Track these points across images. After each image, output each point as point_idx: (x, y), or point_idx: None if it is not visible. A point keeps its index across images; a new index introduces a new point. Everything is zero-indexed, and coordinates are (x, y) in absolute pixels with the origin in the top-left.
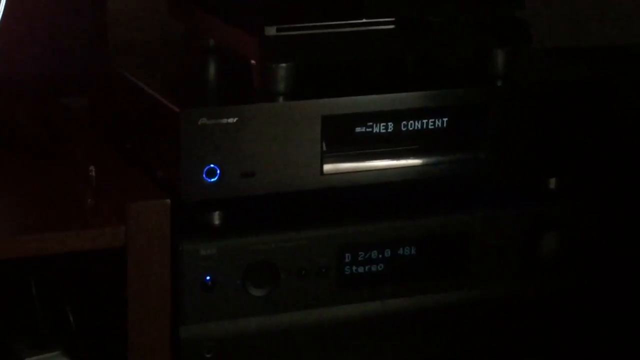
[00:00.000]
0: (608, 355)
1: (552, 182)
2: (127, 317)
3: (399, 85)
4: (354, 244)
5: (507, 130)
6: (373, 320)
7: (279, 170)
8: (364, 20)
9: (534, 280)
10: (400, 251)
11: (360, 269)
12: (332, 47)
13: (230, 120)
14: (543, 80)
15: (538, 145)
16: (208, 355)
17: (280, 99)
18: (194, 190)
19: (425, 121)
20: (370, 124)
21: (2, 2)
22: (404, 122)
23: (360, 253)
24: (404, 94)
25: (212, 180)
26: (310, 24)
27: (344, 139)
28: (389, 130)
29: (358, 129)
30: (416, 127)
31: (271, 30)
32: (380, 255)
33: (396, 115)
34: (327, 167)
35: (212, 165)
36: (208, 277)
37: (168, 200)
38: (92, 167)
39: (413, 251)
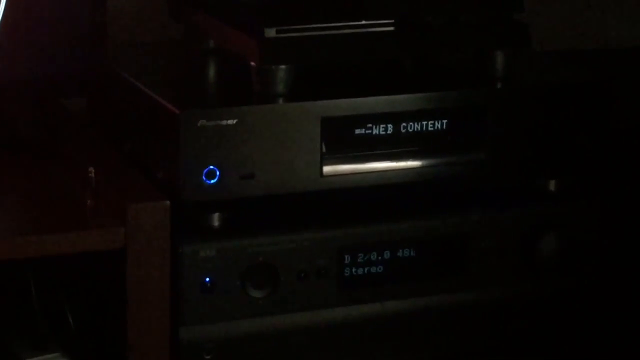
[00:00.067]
0: (608, 355)
1: (552, 184)
2: (127, 318)
3: (399, 87)
4: (353, 245)
5: (507, 132)
6: (373, 321)
7: (278, 172)
8: (364, 22)
9: (534, 282)
10: (400, 253)
11: (360, 271)
12: (332, 48)
13: (230, 121)
14: (542, 82)
15: (537, 146)
16: (207, 357)
17: (280, 100)
18: (194, 191)
19: (424, 123)
20: (370, 125)
21: (2, 3)
22: (404, 124)
23: (359, 255)
24: (403, 96)
25: (212, 181)
26: (310, 26)
27: (344, 140)
28: (389, 132)
29: (357, 131)
30: (416, 129)
31: (271, 32)
32: (380, 257)
33: (396, 117)
34: (327, 169)
35: (211, 167)
36: (207, 279)
37: (167, 202)
38: (91, 168)
39: (412, 253)
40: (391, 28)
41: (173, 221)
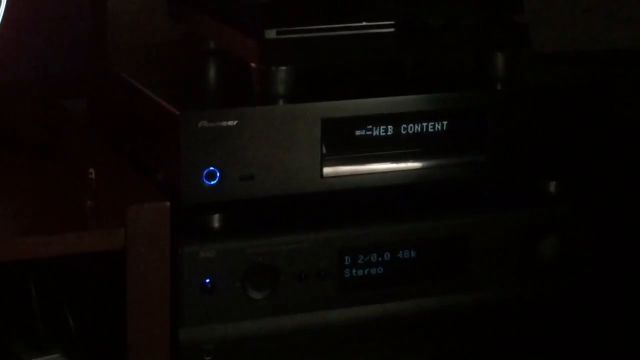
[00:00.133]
0: (608, 356)
1: (552, 186)
2: (127, 319)
3: (399, 88)
4: (353, 247)
5: (507, 134)
6: (373, 323)
7: (278, 173)
8: (364, 24)
9: (534, 283)
10: (400, 254)
11: (360, 272)
12: (332, 50)
13: (230, 123)
14: (542, 84)
15: (537, 148)
16: (207, 358)
17: (280, 101)
18: (194, 192)
19: (425, 124)
20: (370, 127)
21: (2, 4)
22: (404, 125)
23: (360, 256)
24: (403, 97)
25: (212, 182)
26: (310, 27)
27: (344, 142)
28: (389, 133)
29: (358, 132)
30: (416, 130)
31: (271, 33)
32: (380, 258)
33: (396, 118)
34: (327, 170)
35: (211, 168)
36: (208, 280)
37: (168, 203)
38: (91, 170)
39: (413, 254)
40: (391, 29)
41: (173, 222)
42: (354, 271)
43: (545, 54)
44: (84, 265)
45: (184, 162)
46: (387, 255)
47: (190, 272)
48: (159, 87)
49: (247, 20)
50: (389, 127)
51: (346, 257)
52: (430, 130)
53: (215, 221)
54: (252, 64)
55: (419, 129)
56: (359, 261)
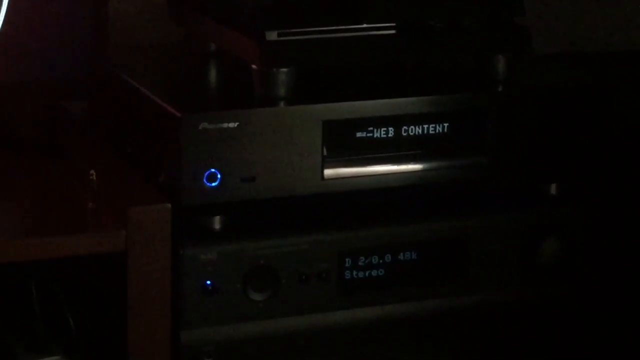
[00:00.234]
0: (608, 359)
1: (553, 187)
2: (128, 321)
3: (400, 90)
4: (354, 249)
5: (508, 135)
6: (373, 325)
7: (279, 175)
8: (365, 25)
9: (535, 286)
10: (401, 256)
11: (361, 274)
12: (333, 52)
13: (231, 124)
14: (543, 86)
15: (538, 150)
16: None
17: (281, 103)
18: (195, 194)
19: (425, 126)
20: (371, 129)
21: (4, 5)
22: (405, 127)
23: (360, 258)
24: (404, 99)
25: (213, 184)
26: (311, 29)
27: (345, 143)
28: (390, 135)
29: (359, 134)
30: (417, 132)
31: (272, 35)
32: (381, 260)
33: (397, 120)
34: (328, 172)
35: (212, 170)
36: (208, 282)
37: (168, 205)
38: (92, 171)
39: (413, 256)
40: (392, 31)
41: (174, 224)
42: (354, 273)
43: (546, 55)
44: (84, 267)
45: (184, 164)
46: (387, 257)
47: (191, 273)
48: (160, 89)
49: (248, 21)
50: (390, 129)
51: (347, 259)
52: (431, 132)
53: (216, 223)
54: (253, 66)
55: (420, 131)
56: (360, 263)
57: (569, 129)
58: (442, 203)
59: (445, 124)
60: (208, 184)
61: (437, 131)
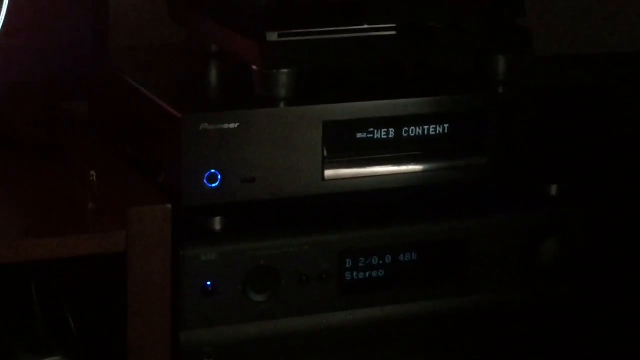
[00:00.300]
0: None
1: (553, 188)
2: (128, 322)
3: (400, 91)
4: (354, 249)
5: (508, 136)
6: (374, 326)
7: (280, 176)
8: (366, 26)
9: (535, 286)
10: (401, 257)
11: (361, 275)
12: (334, 52)
13: (232, 125)
14: (543, 87)
15: (539, 151)
16: None
17: (282, 104)
18: (195, 195)
19: (426, 127)
20: (371, 129)
21: (4, 6)
22: (405, 128)
23: (361, 259)
24: (405, 100)
25: (213, 185)
26: (312, 30)
27: (345, 144)
28: (390, 136)
29: (359, 135)
30: (417, 133)
31: (272, 36)
32: (381, 261)
33: (397, 121)
34: (328, 173)
35: (213, 171)
36: (209, 283)
37: (169, 205)
38: (93, 172)
39: (414, 257)
40: (393, 32)
41: (174, 225)
42: (355, 274)
43: (547, 57)
44: (85, 268)
45: (185, 165)
46: (388, 258)
47: (191, 274)
48: (161, 90)
49: (249, 22)
50: (390, 129)
51: (347, 260)
52: (431, 133)
53: (217, 224)
54: (254, 67)
55: (420, 132)
56: (360, 264)
57: (569, 130)
58: (442, 204)
59: (446, 125)
60: (208, 184)
61: (437, 132)
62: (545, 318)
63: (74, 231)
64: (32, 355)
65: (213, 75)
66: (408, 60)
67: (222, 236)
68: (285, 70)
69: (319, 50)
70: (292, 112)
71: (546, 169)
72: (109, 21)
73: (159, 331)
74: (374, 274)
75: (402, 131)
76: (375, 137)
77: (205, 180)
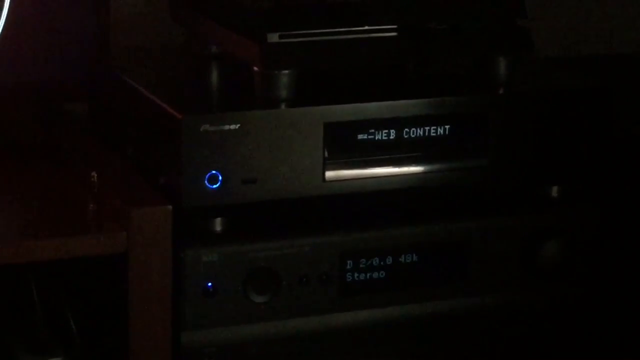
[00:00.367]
0: None
1: (554, 190)
2: (128, 323)
3: (401, 92)
4: (355, 251)
5: (509, 138)
6: (374, 327)
7: (280, 177)
8: (367, 28)
9: (536, 288)
10: (402, 258)
11: (362, 276)
12: (335, 54)
13: (232, 126)
14: (544, 88)
15: (540, 153)
16: None
17: (283, 105)
18: (196, 196)
19: (427, 128)
20: (372, 131)
21: (5, 6)
22: (406, 130)
23: (361, 260)
24: (406, 101)
25: (214, 186)
26: (313, 31)
27: (346, 146)
28: (391, 137)
29: (360, 136)
30: (418, 135)
31: (273, 37)
32: (382, 263)
33: (398, 123)
34: (329, 174)
35: (214, 172)
36: (209, 284)
37: (170, 207)
38: (93, 173)
39: (415, 258)
40: (394, 34)
41: (175, 226)
42: (355, 275)
43: (547, 58)
44: (86, 269)
45: (186, 166)
46: (389, 259)
47: (192, 275)
48: (161, 91)
49: (250, 23)
50: (391, 131)
51: (348, 261)
52: (432, 134)
53: (217, 225)
54: (255, 68)
55: (421, 133)
56: (361, 265)
57: (570, 132)
58: (443, 205)
59: (447, 126)
60: (209, 185)
61: (438, 133)
62: (547, 319)
63: (75, 232)
64: (33, 356)
65: (214, 76)
66: (409, 61)
67: (223, 237)
68: (286, 71)
69: (319, 51)
70: (293, 113)
71: (547, 171)
72: (109, 21)
73: (160, 332)
74: (375, 275)
75: (403, 132)
76: (376, 138)
77: (206, 182)
